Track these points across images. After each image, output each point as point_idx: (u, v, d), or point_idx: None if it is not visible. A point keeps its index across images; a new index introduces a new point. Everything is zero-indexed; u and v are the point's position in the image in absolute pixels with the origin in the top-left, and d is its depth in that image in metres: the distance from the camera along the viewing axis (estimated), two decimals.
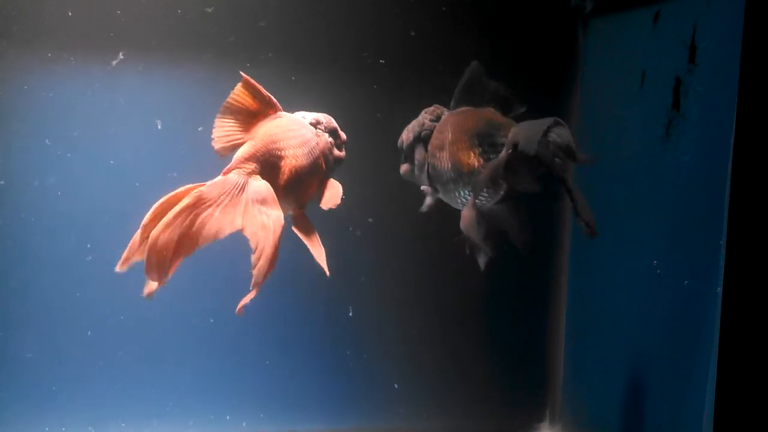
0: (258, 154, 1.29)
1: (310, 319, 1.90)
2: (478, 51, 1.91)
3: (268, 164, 1.30)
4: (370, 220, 1.87)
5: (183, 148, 1.77)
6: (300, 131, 1.38)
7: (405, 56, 1.87)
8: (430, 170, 1.50)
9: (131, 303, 1.79)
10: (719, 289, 1.33)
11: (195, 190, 1.22)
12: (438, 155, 1.45)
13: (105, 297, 1.79)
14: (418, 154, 1.52)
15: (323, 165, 1.41)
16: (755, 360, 1.31)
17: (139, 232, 1.21)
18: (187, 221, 1.19)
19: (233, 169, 1.28)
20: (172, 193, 1.23)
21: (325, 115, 1.48)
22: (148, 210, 1.22)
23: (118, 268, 1.21)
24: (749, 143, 1.29)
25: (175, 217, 1.18)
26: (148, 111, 1.77)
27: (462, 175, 1.41)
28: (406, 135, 1.54)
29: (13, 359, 1.77)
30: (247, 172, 1.28)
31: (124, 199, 1.74)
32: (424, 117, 1.53)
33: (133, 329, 1.81)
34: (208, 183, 1.25)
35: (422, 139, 1.51)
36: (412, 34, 1.86)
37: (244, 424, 1.90)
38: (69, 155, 1.75)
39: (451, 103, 1.51)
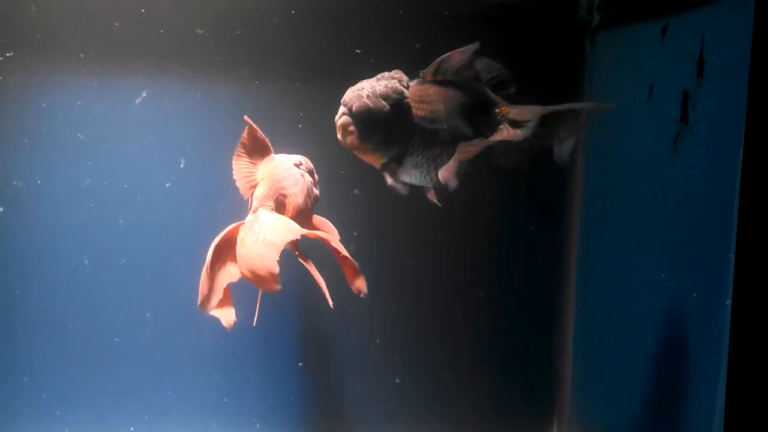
0: (271, 194, 1.43)
1: (313, 322, 1.91)
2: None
3: (277, 202, 1.44)
4: (356, 191, 1.86)
5: (190, 163, 1.81)
6: (291, 171, 1.51)
7: (410, 67, 1.88)
8: (417, 142, 1.38)
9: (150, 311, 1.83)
10: (728, 302, 1.34)
11: (241, 227, 1.38)
12: (429, 128, 1.38)
13: (121, 302, 1.82)
14: (399, 124, 1.34)
15: (309, 203, 1.55)
16: (766, 372, 1.31)
17: (205, 272, 1.37)
18: (248, 251, 1.34)
19: (260, 207, 1.41)
20: (222, 233, 1.39)
21: (304, 156, 1.59)
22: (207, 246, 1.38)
23: (201, 309, 1.38)
24: (758, 156, 1.30)
25: (238, 249, 1.35)
26: (159, 125, 1.81)
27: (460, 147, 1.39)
28: (375, 101, 1.32)
29: (31, 364, 1.80)
30: (270, 209, 1.41)
31: (131, 209, 1.79)
32: (394, 83, 1.36)
33: (158, 334, 1.85)
34: (248, 219, 1.39)
35: (401, 108, 1.35)
36: (417, 46, 1.87)
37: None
38: (89, 162, 1.78)
39: (429, 70, 1.42)
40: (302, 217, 1.48)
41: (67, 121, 1.76)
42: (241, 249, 1.34)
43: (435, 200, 1.46)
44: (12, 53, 1.72)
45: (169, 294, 1.79)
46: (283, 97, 1.81)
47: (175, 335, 1.85)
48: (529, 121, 1.44)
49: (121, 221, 1.80)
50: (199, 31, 1.77)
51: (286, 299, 1.86)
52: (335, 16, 1.83)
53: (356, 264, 1.45)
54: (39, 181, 1.77)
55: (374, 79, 1.36)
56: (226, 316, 1.40)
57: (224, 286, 1.38)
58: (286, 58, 1.82)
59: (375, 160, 1.39)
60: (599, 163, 1.87)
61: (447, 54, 1.40)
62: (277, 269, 1.29)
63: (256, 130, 1.46)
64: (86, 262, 1.80)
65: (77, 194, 1.78)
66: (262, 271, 1.30)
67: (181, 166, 1.79)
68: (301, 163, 1.56)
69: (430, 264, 1.94)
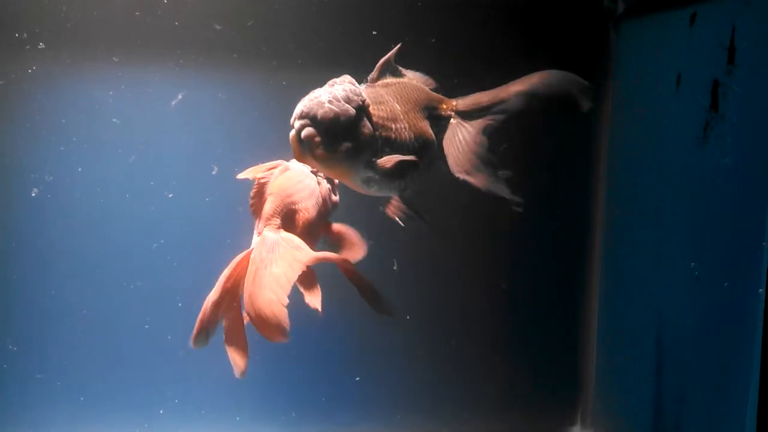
0: (278, 210, 1.34)
1: (335, 319, 1.91)
2: (508, 53, 1.91)
3: (286, 218, 1.36)
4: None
5: (217, 157, 1.80)
6: (306, 181, 1.43)
7: (433, 58, 1.86)
8: (383, 144, 1.30)
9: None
10: (761, 291, 1.32)
11: (251, 256, 1.29)
12: (394, 127, 1.32)
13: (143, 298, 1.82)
14: (365, 128, 1.25)
15: (325, 211, 1.48)
16: None
17: (210, 304, 1.29)
18: (256, 284, 1.24)
19: (265, 227, 1.33)
20: (230, 266, 1.31)
21: None
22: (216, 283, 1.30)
23: (194, 346, 1.29)
24: None
25: (247, 283, 1.26)
26: (184, 118, 1.80)
27: (427, 145, 1.38)
28: (340, 106, 1.20)
29: (57, 362, 1.81)
30: (276, 227, 1.33)
31: (152, 205, 1.80)
32: (351, 86, 1.27)
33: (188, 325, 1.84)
34: (254, 245, 1.31)
35: (364, 110, 1.26)
36: (433, 41, 1.86)
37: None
38: (120, 151, 1.78)
39: (375, 73, 1.38)
40: (315, 231, 1.43)
41: (96, 112, 1.76)
42: (249, 287, 1.24)
43: (396, 217, 1.45)
44: (43, 45, 1.72)
45: (201, 286, 1.78)
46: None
47: None
48: (481, 109, 1.44)
49: (153, 215, 1.80)
50: (218, 27, 1.76)
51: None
52: (353, 7, 1.82)
53: (370, 284, 1.38)
54: (80, 169, 1.77)
55: (326, 86, 1.27)
56: (239, 361, 1.32)
57: (236, 329, 1.32)
58: (308, 51, 1.82)
59: (344, 172, 1.29)
60: (625, 153, 1.85)
61: (387, 56, 1.38)
62: (285, 319, 1.20)
63: (257, 169, 1.39)
64: (117, 255, 1.81)
65: (106, 187, 1.78)
66: (270, 319, 1.21)
67: (214, 172, 1.77)
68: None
69: (454, 258, 1.94)
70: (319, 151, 1.20)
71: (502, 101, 1.44)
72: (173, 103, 1.76)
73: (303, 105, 1.20)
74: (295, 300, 1.42)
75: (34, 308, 1.79)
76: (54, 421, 1.83)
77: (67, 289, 1.80)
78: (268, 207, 1.33)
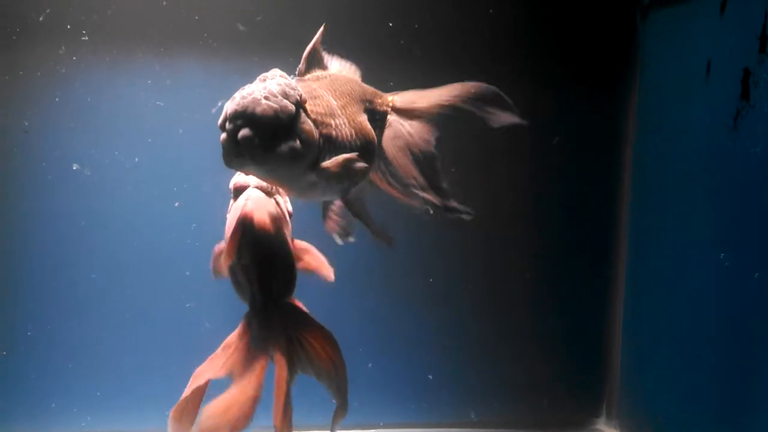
0: (280, 281, 1.18)
1: (359, 312, 1.91)
2: (533, 43, 1.91)
3: (284, 284, 1.20)
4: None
5: None
6: (267, 209, 1.21)
7: (457, 45, 1.87)
8: (324, 142, 1.16)
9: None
10: None
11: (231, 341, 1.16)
12: (333, 123, 1.18)
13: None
14: (306, 125, 1.10)
15: (290, 235, 1.29)
16: None
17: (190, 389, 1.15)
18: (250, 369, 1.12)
19: (268, 307, 1.16)
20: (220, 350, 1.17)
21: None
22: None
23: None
24: None
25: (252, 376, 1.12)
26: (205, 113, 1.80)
27: (369, 142, 1.26)
28: (278, 102, 1.06)
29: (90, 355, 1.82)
30: (284, 301, 1.18)
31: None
32: (285, 80, 1.13)
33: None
34: (235, 332, 1.17)
35: (302, 106, 1.12)
36: (457, 31, 1.86)
37: None
38: (150, 140, 1.79)
39: (302, 66, 1.26)
40: (294, 263, 1.24)
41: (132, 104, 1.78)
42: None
43: (333, 233, 1.36)
44: (87, 37, 1.73)
45: None
46: None
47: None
48: (418, 112, 1.36)
49: (188, 202, 1.81)
50: (242, 28, 1.77)
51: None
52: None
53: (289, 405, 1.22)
54: (134, 158, 1.78)
55: (257, 81, 1.12)
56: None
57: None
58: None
59: (286, 177, 1.13)
60: (653, 142, 1.84)
61: (310, 47, 1.26)
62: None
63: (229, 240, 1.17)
64: (155, 242, 1.82)
65: (148, 174, 1.79)
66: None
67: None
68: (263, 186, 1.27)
69: (475, 250, 1.93)
70: (260, 155, 1.04)
71: (438, 107, 1.35)
72: (213, 110, 1.76)
73: (235, 103, 1.05)
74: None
75: (62, 296, 1.81)
76: (83, 407, 1.85)
77: (104, 276, 1.81)
78: (264, 283, 1.15)
